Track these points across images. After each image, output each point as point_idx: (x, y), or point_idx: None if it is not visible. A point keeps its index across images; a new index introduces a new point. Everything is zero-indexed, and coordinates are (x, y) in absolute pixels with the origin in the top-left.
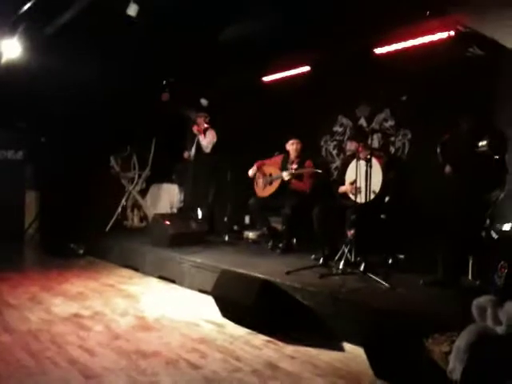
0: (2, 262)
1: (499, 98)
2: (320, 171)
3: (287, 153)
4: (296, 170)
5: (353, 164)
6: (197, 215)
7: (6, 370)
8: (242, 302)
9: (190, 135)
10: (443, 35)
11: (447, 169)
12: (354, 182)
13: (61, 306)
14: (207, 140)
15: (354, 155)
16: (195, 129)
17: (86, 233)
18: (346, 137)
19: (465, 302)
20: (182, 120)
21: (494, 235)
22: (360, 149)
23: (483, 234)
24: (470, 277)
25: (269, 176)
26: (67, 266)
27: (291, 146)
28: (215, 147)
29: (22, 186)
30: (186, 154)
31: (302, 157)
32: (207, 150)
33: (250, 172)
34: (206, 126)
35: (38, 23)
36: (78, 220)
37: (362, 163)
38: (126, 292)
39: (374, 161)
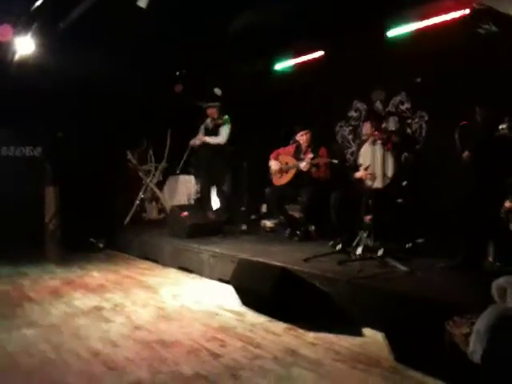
0: (24, 257)
1: None
2: (336, 161)
3: (299, 142)
4: (312, 159)
5: (364, 149)
6: (212, 206)
7: (30, 362)
8: (260, 290)
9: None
10: (457, 14)
11: (465, 154)
12: (367, 168)
13: (82, 300)
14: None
15: (367, 140)
16: (214, 121)
17: (105, 227)
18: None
19: (485, 284)
20: (196, 110)
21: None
22: (374, 132)
23: (502, 215)
24: (490, 259)
25: (285, 165)
26: (87, 259)
27: (301, 137)
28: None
29: (41, 182)
30: (193, 142)
31: (314, 145)
32: (223, 141)
33: (273, 166)
34: (221, 121)
35: (50, 19)
36: (97, 214)
37: (375, 147)
38: (146, 283)
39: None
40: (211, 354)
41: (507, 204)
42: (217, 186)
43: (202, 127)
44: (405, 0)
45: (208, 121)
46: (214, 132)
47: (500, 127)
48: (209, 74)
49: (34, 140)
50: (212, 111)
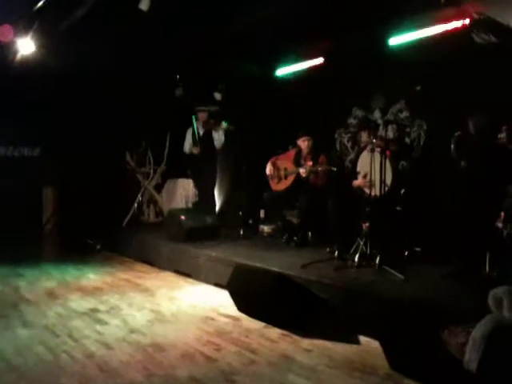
0: (20, 257)
1: None
2: (335, 169)
3: (299, 148)
4: (312, 166)
5: (362, 156)
6: (211, 210)
7: (24, 363)
8: (257, 296)
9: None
10: (458, 24)
11: (462, 163)
12: (366, 175)
13: (78, 301)
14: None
15: (365, 147)
16: (206, 126)
17: (102, 228)
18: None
19: (481, 294)
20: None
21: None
22: (373, 140)
23: (499, 225)
24: (487, 269)
25: (283, 170)
26: (84, 261)
27: (303, 143)
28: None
29: (39, 182)
30: (195, 150)
31: (314, 152)
32: (218, 146)
33: (267, 171)
34: (218, 126)
35: (51, 20)
36: (94, 215)
37: (373, 155)
38: (143, 286)
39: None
40: (206, 358)
41: (502, 214)
42: (208, 191)
43: (190, 132)
44: (406, 8)
45: (197, 125)
46: (205, 137)
47: (499, 136)
48: (209, 78)
49: (33, 140)
50: (202, 115)
